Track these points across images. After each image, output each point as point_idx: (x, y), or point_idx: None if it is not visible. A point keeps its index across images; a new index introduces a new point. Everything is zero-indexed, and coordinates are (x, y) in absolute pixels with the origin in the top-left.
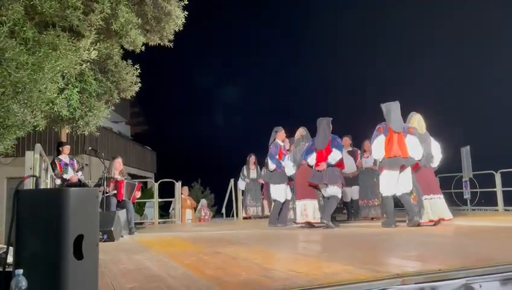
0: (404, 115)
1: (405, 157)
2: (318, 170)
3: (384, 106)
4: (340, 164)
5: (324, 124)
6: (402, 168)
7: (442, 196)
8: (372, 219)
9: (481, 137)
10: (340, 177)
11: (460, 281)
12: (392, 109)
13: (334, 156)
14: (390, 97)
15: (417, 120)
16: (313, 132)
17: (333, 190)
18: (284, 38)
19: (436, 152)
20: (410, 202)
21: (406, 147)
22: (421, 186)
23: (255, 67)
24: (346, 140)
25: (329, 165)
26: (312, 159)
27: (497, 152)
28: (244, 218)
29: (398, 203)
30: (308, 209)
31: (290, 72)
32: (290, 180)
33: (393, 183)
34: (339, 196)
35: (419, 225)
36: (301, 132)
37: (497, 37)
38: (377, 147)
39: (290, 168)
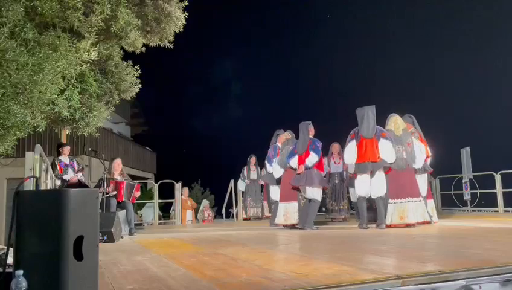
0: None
1: (374, 162)
2: (298, 173)
3: (358, 111)
4: (318, 166)
5: (304, 128)
6: (372, 172)
7: (421, 199)
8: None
9: (481, 138)
10: (318, 179)
11: (461, 282)
12: (365, 114)
13: (311, 158)
14: (389, 97)
15: (393, 122)
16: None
17: (312, 192)
18: (285, 39)
19: (418, 153)
20: (382, 207)
21: (376, 151)
22: (398, 189)
23: (256, 68)
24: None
25: (307, 168)
26: (294, 162)
27: (497, 153)
28: (244, 219)
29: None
30: (289, 211)
31: (292, 73)
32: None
33: (367, 185)
34: (318, 198)
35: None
36: (286, 135)
37: (497, 37)
38: (348, 152)
39: (277, 171)
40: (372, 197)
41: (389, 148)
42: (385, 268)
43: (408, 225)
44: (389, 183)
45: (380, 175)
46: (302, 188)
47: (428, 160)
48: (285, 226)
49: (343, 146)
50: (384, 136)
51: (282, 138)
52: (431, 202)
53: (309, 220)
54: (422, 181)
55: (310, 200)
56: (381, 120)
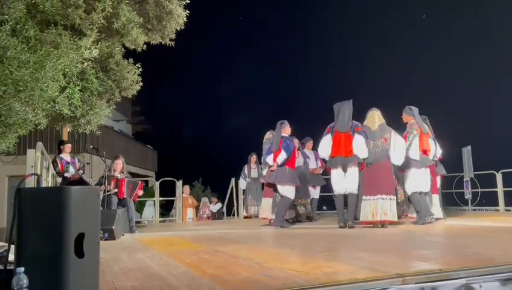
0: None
1: (346, 157)
2: (271, 170)
3: (335, 106)
4: (290, 163)
5: (278, 127)
6: (344, 167)
7: (393, 197)
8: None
9: (482, 137)
10: (289, 177)
11: (461, 281)
12: (341, 108)
13: (280, 156)
14: (389, 97)
15: (370, 116)
16: (314, 134)
17: (284, 190)
18: (285, 39)
19: (399, 148)
20: (352, 204)
21: (349, 146)
22: (370, 185)
23: (257, 67)
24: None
25: (278, 165)
26: (270, 159)
27: (499, 152)
28: (245, 217)
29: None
30: (265, 207)
31: (292, 71)
32: None
33: (341, 181)
34: (289, 196)
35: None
36: (268, 135)
37: (498, 37)
38: (323, 146)
39: (264, 170)
40: (345, 193)
41: (361, 144)
42: (385, 267)
43: (381, 223)
44: (363, 179)
45: (352, 170)
46: (277, 185)
47: (430, 154)
48: (267, 220)
49: None
50: (358, 131)
51: (264, 138)
52: (436, 197)
53: (277, 216)
54: (421, 176)
55: (282, 197)
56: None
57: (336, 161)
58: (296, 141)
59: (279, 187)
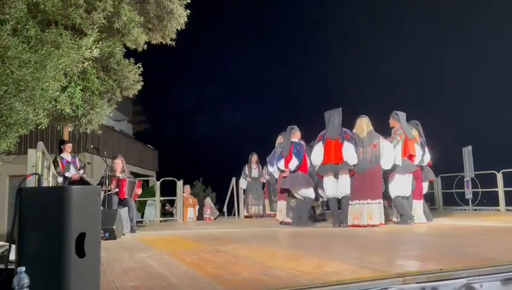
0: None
1: (336, 164)
2: (283, 176)
3: (326, 114)
4: (303, 168)
5: (288, 132)
6: (335, 174)
7: (381, 201)
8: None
9: (483, 137)
10: (303, 180)
11: (462, 280)
12: (331, 116)
13: (292, 163)
14: (389, 97)
15: (358, 124)
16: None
17: (303, 192)
18: (286, 38)
19: (388, 153)
20: (346, 206)
21: (339, 153)
22: (358, 191)
23: (258, 66)
24: None
25: (291, 171)
26: (281, 164)
27: (499, 152)
28: (246, 217)
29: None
30: (282, 209)
31: (293, 71)
32: None
33: (333, 186)
34: (310, 196)
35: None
36: (279, 139)
37: (498, 36)
38: (315, 154)
39: (275, 173)
40: (338, 196)
41: (350, 151)
42: (386, 266)
43: (364, 227)
44: (353, 185)
45: (344, 176)
46: (292, 190)
47: (416, 159)
48: (282, 222)
49: None
50: (347, 138)
51: (276, 142)
52: (417, 203)
53: (303, 216)
54: (404, 181)
55: (304, 198)
56: (379, 123)
57: (327, 168)
58: (303, 144)
59: (298, 192)
